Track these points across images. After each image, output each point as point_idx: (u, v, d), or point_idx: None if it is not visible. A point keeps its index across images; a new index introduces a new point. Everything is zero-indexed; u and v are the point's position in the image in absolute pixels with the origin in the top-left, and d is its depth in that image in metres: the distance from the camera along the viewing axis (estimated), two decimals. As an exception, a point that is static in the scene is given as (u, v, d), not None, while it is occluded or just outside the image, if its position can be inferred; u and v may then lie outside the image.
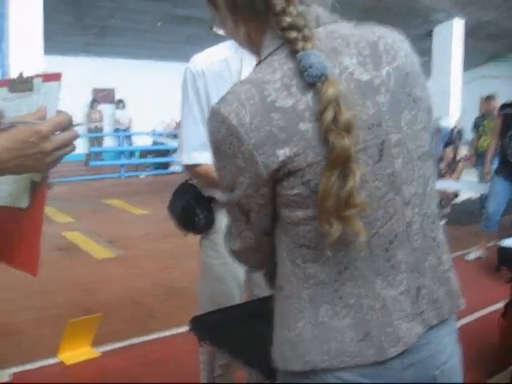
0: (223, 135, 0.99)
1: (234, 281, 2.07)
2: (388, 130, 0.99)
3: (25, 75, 1.02)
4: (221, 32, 1.35)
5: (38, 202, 1.03)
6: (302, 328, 1.02)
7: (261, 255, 1.14)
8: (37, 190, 1.03)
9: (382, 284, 1.01)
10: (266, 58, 1.03)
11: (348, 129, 0.91)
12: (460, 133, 12.45)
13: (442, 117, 14.01)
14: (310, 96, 0.94)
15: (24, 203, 1.03)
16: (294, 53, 0.96)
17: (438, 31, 16.04)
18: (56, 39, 11.27)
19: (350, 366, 1.00)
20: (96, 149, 13.56)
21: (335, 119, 0.91)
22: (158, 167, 12.68)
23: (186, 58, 2.10)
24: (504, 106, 5.58)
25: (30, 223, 1.02)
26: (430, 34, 16.19)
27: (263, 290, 2.10)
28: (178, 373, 3.15)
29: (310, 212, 0.97)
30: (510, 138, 5.14)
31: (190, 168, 2.01)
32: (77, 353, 3.34)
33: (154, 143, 12.66)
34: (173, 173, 11.28)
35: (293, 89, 0.94)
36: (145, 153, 12.90)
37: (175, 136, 12.69)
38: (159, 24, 12.29)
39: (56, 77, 1.01)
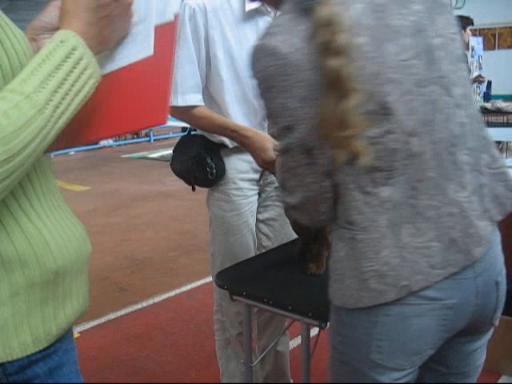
0: (275, 69, 0.97)
1: (249, 232, 2.01)
2: (430, 34, 1.02)
3: None
4: None
5: (164, 45, 0.90)
6: (387, 256, 1.01)
7: (323, 206, 1.08)
8: (161, 33, 0.90)
9: (454, 188, 1.04)
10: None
11: (339, 51, 0.92)
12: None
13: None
14: (358, 7, 0.96)
15: (147, 51, 0.90)
16: None
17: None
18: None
19: (444, 277, 1.02)
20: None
21: (328, 41, 0.92)
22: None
23: None
24: None
25: (157, 70, 0.89)
26: None
27: (272, 241, 2.07)
28: (166, 342, 3.06)
29: (378, 128, 0.97)
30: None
31: (185, 111, 1.89)
32: (53, 335, 3.17)
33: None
34: (103, 147, 10.89)
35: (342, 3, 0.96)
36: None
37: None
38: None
39: None
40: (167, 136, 10.97)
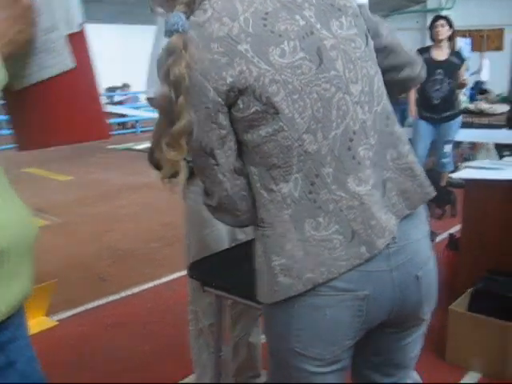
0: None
1: (224, 226, 2.04)
2: (321, 36, 1.07)
3: None
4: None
5: (81, 55, 0.95)
6: (292, 249, 1.07)
7: (242, 205, 1.14)
8: (73, 43, 0.95)
9: (354, 182, 1.08)
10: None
11: (171, 81, 1.02)
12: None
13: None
14: (241, 19, 1.03)
15: (69, 63, 0.95)
16: None
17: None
18: None
19: (348, 269, 1.06)
20: (3, 117, 12.77)
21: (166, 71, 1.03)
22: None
23: (92, 17, 1.98)
24: (420, 52, 5.75)
25: (84, 83, 0.94)
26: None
27: (246, 235, 2.10)
28: (143, 332, 3.10)
29: (270, 127, 1.04)
30: (433, 83, 5.31)
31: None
32: (32, 323, 3.20)
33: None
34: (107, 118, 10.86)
35: (224, 19, 1.03)
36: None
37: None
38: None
39: None
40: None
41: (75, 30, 0.96)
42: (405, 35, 10.71)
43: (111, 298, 3.58)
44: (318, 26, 1.07)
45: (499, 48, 12.97)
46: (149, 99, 1.99)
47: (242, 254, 1.84)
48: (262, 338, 2.25)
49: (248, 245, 1.94)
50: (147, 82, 1.96)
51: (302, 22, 1.06)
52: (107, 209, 5.61)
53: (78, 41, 0.96)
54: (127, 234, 4.82)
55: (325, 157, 1.06)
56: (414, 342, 1.26)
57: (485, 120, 7.10)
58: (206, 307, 2.07)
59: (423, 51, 5.55)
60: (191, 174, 1.94)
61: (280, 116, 1.04)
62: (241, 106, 1.03)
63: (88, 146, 10.53)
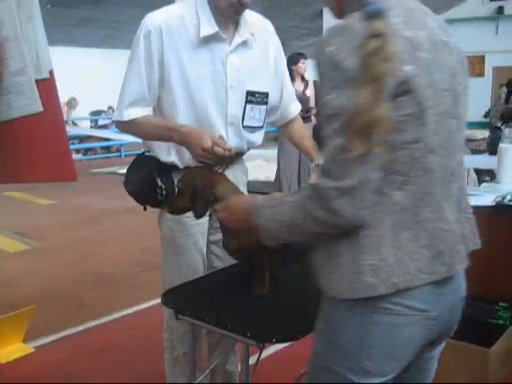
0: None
1: (198, 253, 2.06)
2: (457, 81, 1.21)
3: None
4: None
5: (50, 101, 0.98)
6: (385, 253, 1.13)
7: (368, 199, 1.11)
8: (41, 89, 0.98)
9: (448, 209, 1.21)
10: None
11: (387, 58, 1.07)
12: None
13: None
14: (423, 33, 1.14)
15: (38, 107, 0.97)
16: None
17: (328, 11, 16.53)
18: None
19: (427, 282, 1.15)
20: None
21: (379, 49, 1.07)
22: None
23: (78, 42, 2.02)
24: None
25: (51, 127, 0.97)
26: (319, 14, 16.64)
27: (223, 262, 2.12)
28: (122, 358, 3.09)
29: (412, 134, 1.12)
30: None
31: (129, 123, 1.96)
32: (9, 350, 3.17)
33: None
34: (74, 161, 10.86)
35: (411, 24, 1.14)
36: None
37: (73, 123, 12.21)
38: (48, 6, 11.70)
39: None
40: (139, 152, 10.93)
41: (44, 76, 0.99)
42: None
43: (92, 323, 3.56)
44: (458, 72, 1.22)
45: (480, 74, 13.22)
46: (118, 123, 2.00)
47: (217, 282, 1.87)
48: (239, 366, 2.25)
49: (224, 272, 1.97)
50: (119, 105, 1.96)
51: (451, 64, 1.20)
52: (90, 233, 5.60)
53: (47, 87, 0.99)
54: (109, 259, 4.81)
55: (436, 179, 1.17)
56: (435, 359, 1.37)
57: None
58: (181, 335, 2.08)
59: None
60: (163, 203, 1.97)
61: (424, 128, 1.12)
62: (398, 104, 1.09)
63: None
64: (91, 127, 12.49)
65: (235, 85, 1.98)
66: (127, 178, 2.08)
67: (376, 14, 1.09)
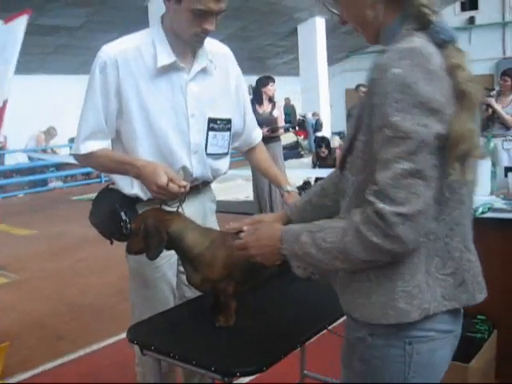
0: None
1: (167, 285, 2.04)
2: None
3: None
4: (334, 10, 1.33)
5: None
6: (419, 280, 1.16)
7: (425, 225, 1.12)
8: None
9: (472, 241, 1.25)
10: (398, 35, 1.18)
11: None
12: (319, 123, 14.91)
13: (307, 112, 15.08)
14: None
15: None
16: (427, 24, 1.16)
17: (302, 29, 16.68)
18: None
19: (448, 309, 1.19)
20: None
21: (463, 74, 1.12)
22: (36, 185, 12.05)
23: (54, 69, 2.01)
24: None
25: None
26: (295, 32, 16.80)
27: (194, 292, 2.09)
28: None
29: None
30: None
31: (88, 156, 1.94)
32: (-15, 387, 3.11)
33: (31, 160, 11.95)
34: (54, 189, 10.79)
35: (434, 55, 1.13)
36: (22, 171, 12.14)
37: (52, 150, 12.12)
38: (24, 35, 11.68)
39: (20, 14, 0.97)
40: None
41: None
42: (362, 76, 10.94)
43: (70, 356, 3.50)
44: None
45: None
46: (76, 156, 1.98)
47: (184, 314, 1.84)
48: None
49: (192, 303, 1.94)
50: (77, 138, 1.95)
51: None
52: (68, 263, 5.55)
53: None
54: (87, 289, 4.75)
55: (466, 211, 1.22)
56: None
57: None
58: (152, 368, 2.04)
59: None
60: (129, 236, 1.94)
61: None
62: None
63: (51, 198, 10.42)
64: (70, 154, 12.40)
65: (196, 113, 1.98)
66: (92, 212, 2.05)
67: (450, 41, 1.13)
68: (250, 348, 1.57)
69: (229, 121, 2.08)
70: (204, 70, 2.00)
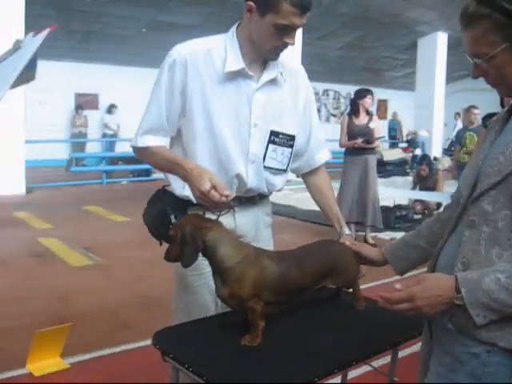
0: None
1: (209, 294, 1.97)
2: None
3: None
4: (475, 60, 1.33)
5: None
6: None
7: None
8: None
9: None
10: None
11: None
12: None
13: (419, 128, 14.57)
14: None
15: None
16: None
17: (423, 43, 16.19)
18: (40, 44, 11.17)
19: None
20: (77, 154, 13.47)
21: None
22: (140, 174, 12.58)
23: None
24: (486, 118, 5.55)
25: None
26: (414, 46, 16.33)
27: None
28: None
29: None
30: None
31: (143, 150, 1.95)
32: (46, 363, 3.25)
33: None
34: (155, 180, 11.17)
35: None
36: (129, 159, 12.74)
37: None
38: (144, 30, 12.24)
39: (46, 29, 0.99)
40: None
41: None
42: (480, 97, 10.37)
43: (129, 345, 3.57)
44: None
45: None
46: (133, 148, 1.99)
47: (215, 327, 1.79)
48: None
49: (224, 317, 1.88)
50: (137, 130, 1.97)
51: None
52: (150, 254, 5.63)
53: None
54: (162, 282, 4.80)
55: None
56: None
57: None
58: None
59: (488, 117, 5.37)
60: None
61: None
62: None
63: (152, 188, 10.71)
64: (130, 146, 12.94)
65: (259, 123, 1.93)
66: (145, 211, 2.06)
67: None
68: (273, 372, 1.49)
69: (292, 137, 2.01)
70: (273, 82, 1.95)
